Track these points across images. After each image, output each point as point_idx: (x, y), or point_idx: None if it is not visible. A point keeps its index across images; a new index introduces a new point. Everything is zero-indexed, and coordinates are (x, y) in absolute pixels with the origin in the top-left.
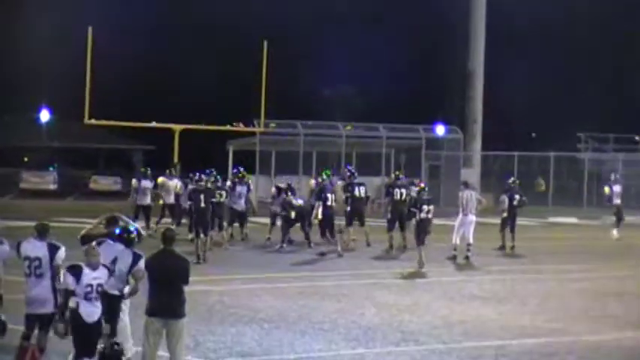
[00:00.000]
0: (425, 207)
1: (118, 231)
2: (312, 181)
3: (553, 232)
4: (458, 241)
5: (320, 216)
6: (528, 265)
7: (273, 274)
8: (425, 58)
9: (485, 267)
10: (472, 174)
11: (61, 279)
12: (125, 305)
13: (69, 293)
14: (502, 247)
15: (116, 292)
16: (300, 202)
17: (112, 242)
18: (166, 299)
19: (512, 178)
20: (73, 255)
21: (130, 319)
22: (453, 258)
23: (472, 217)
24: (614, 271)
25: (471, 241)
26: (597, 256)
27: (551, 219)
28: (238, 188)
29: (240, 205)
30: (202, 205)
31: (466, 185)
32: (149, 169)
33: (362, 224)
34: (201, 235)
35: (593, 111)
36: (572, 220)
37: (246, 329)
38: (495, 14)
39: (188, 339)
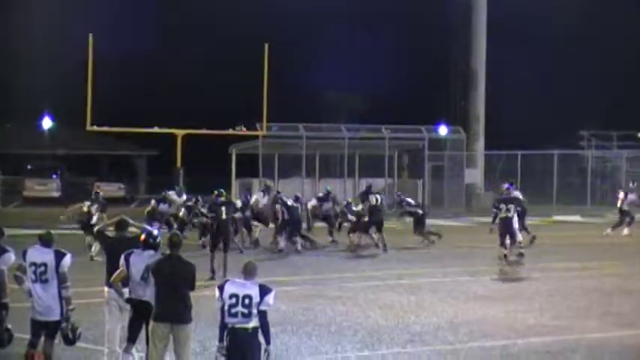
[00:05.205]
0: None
1: (143, 236)
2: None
3: (557, 231)
4: (509, 240)
5: (286, 217)
6: (533, 264)
7: (278, 277)
8: (426, 58)
9: (490, 267)
10: (476, 174)
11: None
12: (116, 309)
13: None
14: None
15: (147, 299)
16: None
17: (139, 251)
18: (172, 304)
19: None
20: (79, 262)
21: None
22: (504, 257)
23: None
24: (619, 269)
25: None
26: (602, 254)
27: (556, 217)
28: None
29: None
30: (224, 217)
31: (512, 184)
32: (168, 192)
33: (379, 230)
34: (222, 252)
35: (594, 108)
36: (577, 218)
37: None
38: (496, 12)
39: (195, 344)
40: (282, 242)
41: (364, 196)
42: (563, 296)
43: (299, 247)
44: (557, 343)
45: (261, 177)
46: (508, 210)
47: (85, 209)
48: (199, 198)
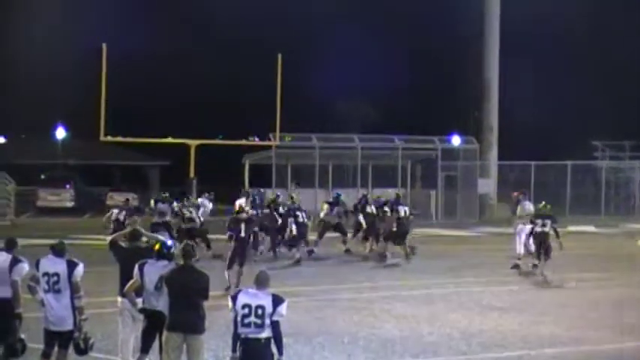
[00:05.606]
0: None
1: (157, 246)
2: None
3: (571, 241)
4: (522, 250)
5: (295, 232)
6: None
7: (291, 287)
8: (439, 69)
9: (502, 277)
10: (489, 184)
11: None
12: (130, 319)
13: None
14: None
15: (160, 308)
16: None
17: (153, 261)
18: (186, 314)
19: None
20: (91, 272)
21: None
22: (516, 267)
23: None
24: (633, 280)
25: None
26: (616, 265)
27: (569, 228)
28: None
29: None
30: (242, 234)
31: (525, 195)
32: (201, 198)
33: (401, 242)
34: (236, 266)
35: (607, 118)
36: (590, 228)
37: None
38: (509, 23)
39: (208, 354)
40: (297, 253)
41: (393, 205)
42: (576, 307)
43: (297, 256)
44: (570, 354)
45: (274, 187)
46: (544, 225)
47: (114, 217)
48: (189, 197)
